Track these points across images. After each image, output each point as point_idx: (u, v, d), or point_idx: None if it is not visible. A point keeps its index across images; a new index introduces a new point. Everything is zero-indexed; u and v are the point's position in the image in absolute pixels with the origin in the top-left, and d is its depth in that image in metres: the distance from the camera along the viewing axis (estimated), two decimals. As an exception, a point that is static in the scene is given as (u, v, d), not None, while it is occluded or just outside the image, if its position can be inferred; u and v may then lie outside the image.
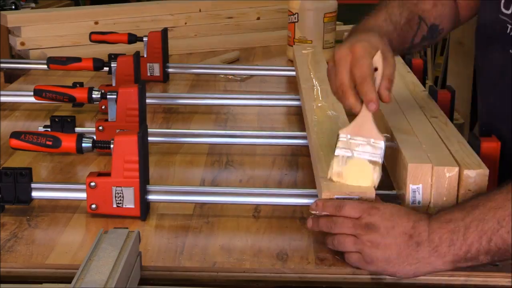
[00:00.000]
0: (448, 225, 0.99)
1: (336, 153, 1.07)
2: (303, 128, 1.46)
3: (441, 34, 1.36)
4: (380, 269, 1.00)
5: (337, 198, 1.05)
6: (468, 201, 1.02)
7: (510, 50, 1.23)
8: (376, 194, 1.06)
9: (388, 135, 1.13)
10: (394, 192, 1.17)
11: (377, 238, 1.00)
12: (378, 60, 1.06)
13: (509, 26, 1.24)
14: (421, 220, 1.00)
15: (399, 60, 1.73)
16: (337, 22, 2.19)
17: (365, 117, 1.06)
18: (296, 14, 2.12)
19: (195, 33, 2.41)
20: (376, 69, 1.06)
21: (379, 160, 1.06)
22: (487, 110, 1.35)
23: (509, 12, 1.24)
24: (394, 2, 1.31)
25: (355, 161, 1.06)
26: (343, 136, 1.07)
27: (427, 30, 1.31)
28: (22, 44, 2.23)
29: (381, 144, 1.06)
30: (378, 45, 1.09)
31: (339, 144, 1.07)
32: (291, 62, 2.14)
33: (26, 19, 2.26)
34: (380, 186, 1.07)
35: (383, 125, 1.25)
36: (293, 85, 1.92)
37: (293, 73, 1.84)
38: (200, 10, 2.44)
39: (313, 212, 1.06)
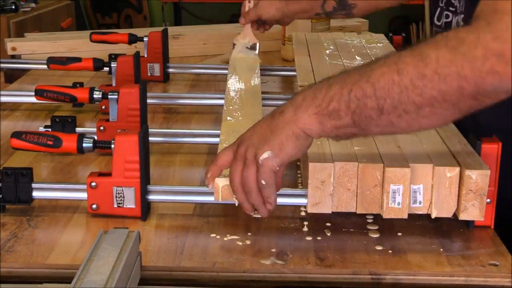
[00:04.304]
0: (311, 87, 1.03)
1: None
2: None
3: (355, 8, 1.75)
4: (260, 150, 1.02)
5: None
6: None
7: None
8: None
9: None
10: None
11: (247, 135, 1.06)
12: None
13: None
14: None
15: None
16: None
17: (246, 28, 1.88)
18: None
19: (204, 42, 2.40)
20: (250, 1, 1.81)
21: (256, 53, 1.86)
22: None
23: (439, 23, 1.43)
24: None
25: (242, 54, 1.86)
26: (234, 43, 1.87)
27: (335, 3, 1.75)
28: (14, 49, 2.20)
29: (256, 42, 1.87)
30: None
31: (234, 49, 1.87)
32: (285, 61, 2.19)
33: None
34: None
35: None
36: (291, 85, 1.95)
37: (292, 72, 1.86)
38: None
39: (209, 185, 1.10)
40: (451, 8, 1.39)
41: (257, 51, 1.87)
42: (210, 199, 1.18)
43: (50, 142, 1.21)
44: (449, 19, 1.39)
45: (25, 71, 2.07)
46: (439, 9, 1.43)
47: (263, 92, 1.79)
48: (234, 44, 1.89)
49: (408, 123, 0.97)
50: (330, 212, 1.10)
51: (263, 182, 1.04)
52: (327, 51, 1.83)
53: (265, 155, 1.02)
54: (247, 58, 1.85)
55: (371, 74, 0.96)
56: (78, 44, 2.19)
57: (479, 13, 0.93)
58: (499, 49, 0.89)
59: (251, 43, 1.87)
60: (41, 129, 1.46)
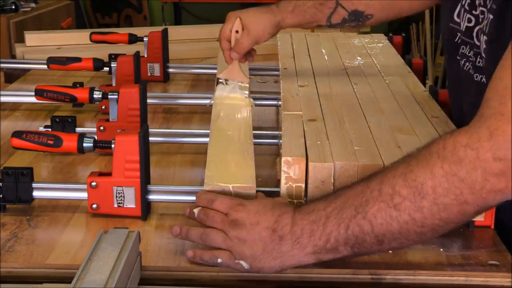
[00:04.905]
0: (310, 215, 0.98)
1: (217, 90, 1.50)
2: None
3: (371, 20, 1.50)
4: (248, 266, 1.01)
5: (213, 191, 1.10)
6: (333, 192, 1.03)
7: (457, 57, 1.28)
8: (260, 191, 1.12)
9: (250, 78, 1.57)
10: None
11: (243, 234, 1.00)
12: (237, 26, 1.49)
13: (459, 34, 1.28)
14: (285, 213, 1.00)
15: (399, 61, 1.73)
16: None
17: (234, 64, 1.51)
18: None
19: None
20: (237, 32, 1.49)
21: (246, 95, 1.49)
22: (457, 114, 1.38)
23: (458, 21, 1.28)
24: None
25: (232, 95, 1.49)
26: (220, 79, 1.51)
27: (347, 14, 1.49)
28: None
29: (247, 84, 1.51)
30: (254, 22, 1.48)
31: (219, 86, 1.51)
32: None
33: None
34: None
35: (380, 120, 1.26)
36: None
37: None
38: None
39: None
40: (474, 12, 1.23)
41: (247, 93, 1.50)
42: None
43: (51, 142, 1.21)
44: (471, 24, 1.24)
45: (25, 71, 2.07)
46: (459, 6, 1.27)
47: (262, 92, 1.80)
48: (218, 80, 1.54)
49: (411, 243, 0.98)
50: (330, 212, 1.10)
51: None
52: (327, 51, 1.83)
53: (243, 263, 1.01)
54: (237, 102, 1.49)
55: (367, 210, 0.94)
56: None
57: (484, 110, 0.90)
58: (500, 169, 0.87)
59: (242, 84, 1.51)
60: (41, 129, 1.46)
